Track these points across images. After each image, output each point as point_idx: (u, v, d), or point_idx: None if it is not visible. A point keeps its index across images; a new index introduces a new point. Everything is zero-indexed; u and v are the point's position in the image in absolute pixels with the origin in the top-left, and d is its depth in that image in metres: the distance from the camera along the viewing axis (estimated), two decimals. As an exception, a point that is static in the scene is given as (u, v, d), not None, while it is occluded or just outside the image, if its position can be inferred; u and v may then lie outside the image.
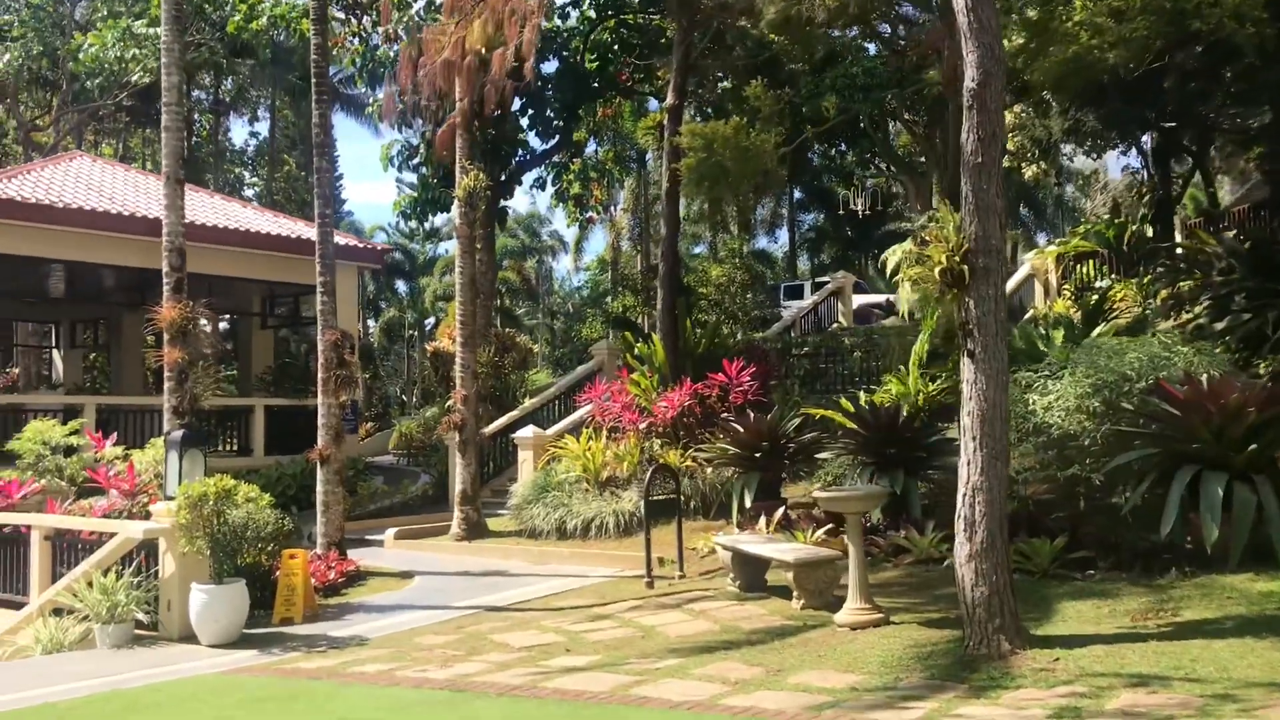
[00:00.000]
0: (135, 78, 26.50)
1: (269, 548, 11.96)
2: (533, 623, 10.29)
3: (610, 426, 16.97)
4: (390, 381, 49.98)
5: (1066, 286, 21.99)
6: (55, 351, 27.88)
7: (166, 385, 13.32)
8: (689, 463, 15.28)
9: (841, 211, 35.31)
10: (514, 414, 20.75)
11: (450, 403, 18.10)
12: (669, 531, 13.45)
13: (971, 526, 7.60)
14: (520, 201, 52.97)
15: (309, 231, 19.73)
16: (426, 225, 51.50)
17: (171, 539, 10.76)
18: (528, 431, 18.28)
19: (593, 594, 11.80)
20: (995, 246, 7.76)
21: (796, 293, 31.13)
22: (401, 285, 54.66)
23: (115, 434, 15.41)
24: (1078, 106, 20.43)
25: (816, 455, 14.21)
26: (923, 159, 28.73)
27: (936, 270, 7.79)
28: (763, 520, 12.96)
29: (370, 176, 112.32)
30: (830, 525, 11.94)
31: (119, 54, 25.27)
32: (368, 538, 17.41)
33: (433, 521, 18.02)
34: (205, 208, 22.08)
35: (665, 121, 18.45)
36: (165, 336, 13.31)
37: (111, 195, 20.34)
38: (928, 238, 8.03)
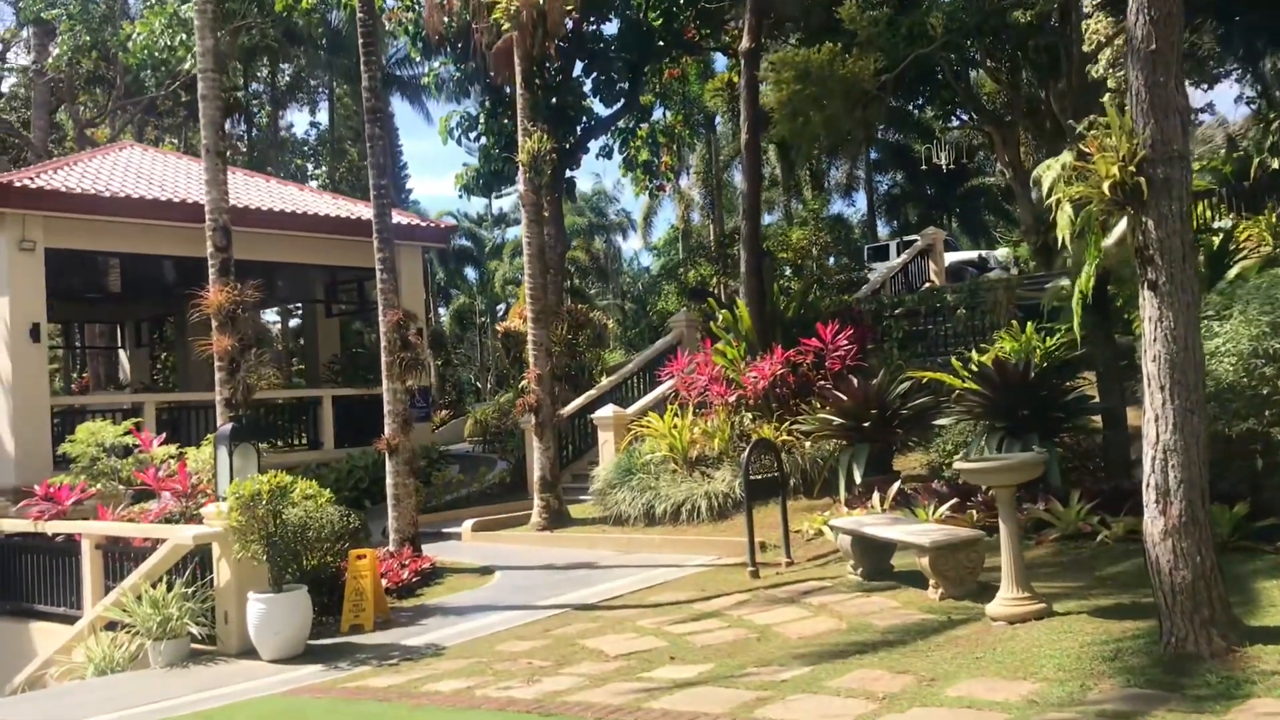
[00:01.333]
0: (187, 65, 25.67)
1: (335, 547, 10.94)
2: (627, 623, 9.07)
3: (696, 401, 15.70)
4: (464, 369, 49.26)
5: (1181, 230, 20.22)
6: (122, 352, 27.34)
7: (217, 376, 12.33)
8: (785, 437, 13.95)
9: (924, 167, 33.63)
10: (591, 393, 19.55)
11: (524, 384, 16.97)
12: (766, 514, 12.15)
13: (1165, 496, 6.17)
14: (586, 182, 51.94)
15: (369, 213, 18.71)
16: (492, 205, 50.82)
17: (224, 544, 9.73)
18: (607, 411, 17.08)
19: (691, 586, 10.56)
20: (1178, 152, 6.29)
21: (881, 254, 29.61)
22: (471, 273, 53.85)
23: (165, 433, 14.51)
24: (1196, 26, 18.57)
25: (933, 423, 12.79)
26: (1007, 104, 27.05)
27: (1105, 185, 6.34)
28: (876, 497, 11.62)
29: (433, 172, 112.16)
30: (955, 500, 10.56)
31: (167, 41, 24.45)
32: (444, 530, 16.43)
33: (512, 511, 16.94)
34: (262, 192, 21.20)
35: (740, 69, 17.00)
36: (213, 323, 12.32)
37: (162, 183, 19.49)
38: (1088, 148, 6.57)
